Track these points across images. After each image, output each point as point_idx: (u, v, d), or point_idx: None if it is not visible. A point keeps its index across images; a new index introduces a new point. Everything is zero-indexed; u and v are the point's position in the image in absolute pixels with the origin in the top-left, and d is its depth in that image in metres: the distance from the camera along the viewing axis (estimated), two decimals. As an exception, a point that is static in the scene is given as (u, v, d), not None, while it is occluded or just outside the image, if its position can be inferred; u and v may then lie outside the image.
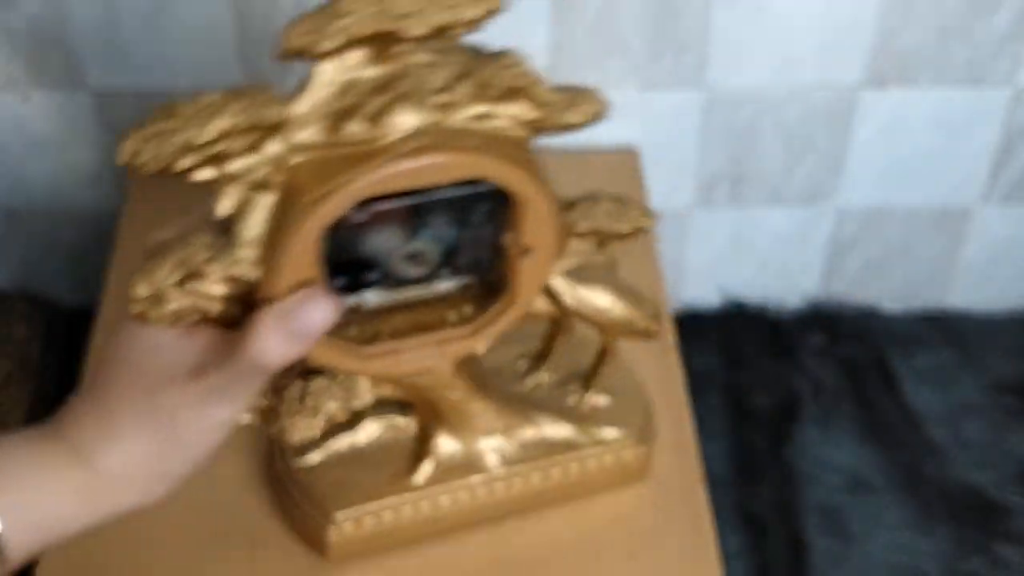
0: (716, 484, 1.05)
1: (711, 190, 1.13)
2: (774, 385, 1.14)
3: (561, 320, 0.81)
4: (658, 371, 0.91)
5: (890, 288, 1.22)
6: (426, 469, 0.79)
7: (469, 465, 0.80)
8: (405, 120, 0.61)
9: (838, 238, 1.17)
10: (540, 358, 0.84)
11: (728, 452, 1.09)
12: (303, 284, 0.63)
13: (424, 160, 0.61)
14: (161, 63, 1.02)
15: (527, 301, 0.71)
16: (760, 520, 1.04)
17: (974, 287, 1.21)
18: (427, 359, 0.71)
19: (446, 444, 0.79)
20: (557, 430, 0.81)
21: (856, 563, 1.02)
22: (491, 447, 0.80)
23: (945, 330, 1.20)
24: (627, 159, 1.09)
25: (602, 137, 1.10)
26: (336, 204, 0.61)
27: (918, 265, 1.20)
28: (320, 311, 0.61)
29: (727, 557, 1.00)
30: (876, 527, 1.04)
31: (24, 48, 1.01)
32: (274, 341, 0.60)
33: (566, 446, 0.81)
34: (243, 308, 0.67)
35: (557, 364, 0.84)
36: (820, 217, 1.15)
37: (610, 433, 0.82)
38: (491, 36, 1.02)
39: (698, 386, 1.13)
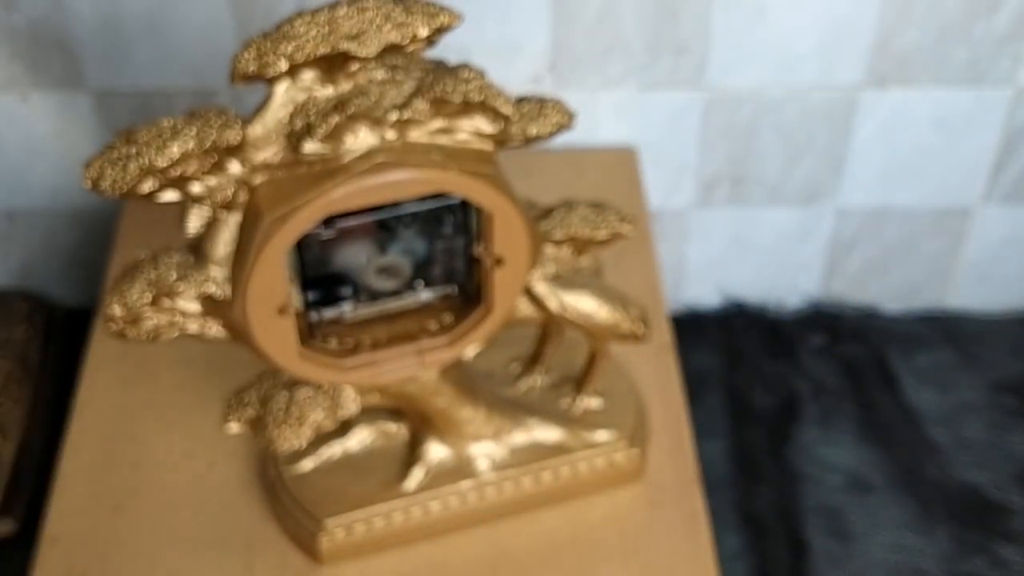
0: (716, 484, 1.05)
1: (711, 190, 1.13)
2: (774, 385, 1.14)
3: (551, 324, 0.81)
4: (655, 371, 0.91)
5: (890, 288, 1.22)
6: (416, 475, 0.79)
7: (459, 470, 0.80)
8: (362, 138, 0.61)
9: (838, 238, 1.17)
10: (533, 361, 0.85)
11: (728, 452, 1.10)
12: (272, 302, 0.63)
13: (384, 177, 0.61)
14: (161, 64, 1.03)
15: (504, 310, 0.71)
16: (760, 520, 1.05)
17: (974, 287, 1.22)
18: (407, 369, 0.72)
19: (436, 450, 0.80)
20: (548, 434, 0.81)
21: (856, 563, 1.02)
22: (481, 452, 0.80)
23: (945, 330, 1.20)
24: (626, 158, 1.09)
25: (602, 137, 1.10)
26: (299, 223, 0.61)
27: (918, 265, 1.20)
28: None
29: (727, 557, 1.01)
30: (876, 527, 1.04)
31: (24, 48, 1.01)
32: None
33: (557, 450, 0.81)
34: (221, 323, 0.67)
35: (550, 367, 0.85)
36: (820, 217, 1.15)
37: (602, 436, 0.82)
38: (492, 37, 1.03)
39: (698, 386, 1.13)
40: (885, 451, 1.10)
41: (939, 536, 1.03)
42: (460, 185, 0.63)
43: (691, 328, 1.19)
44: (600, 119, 1.09)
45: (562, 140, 0.68)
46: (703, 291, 1.22)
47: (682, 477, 0.85)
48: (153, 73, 1.03)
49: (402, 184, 0.62)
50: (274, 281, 0.63)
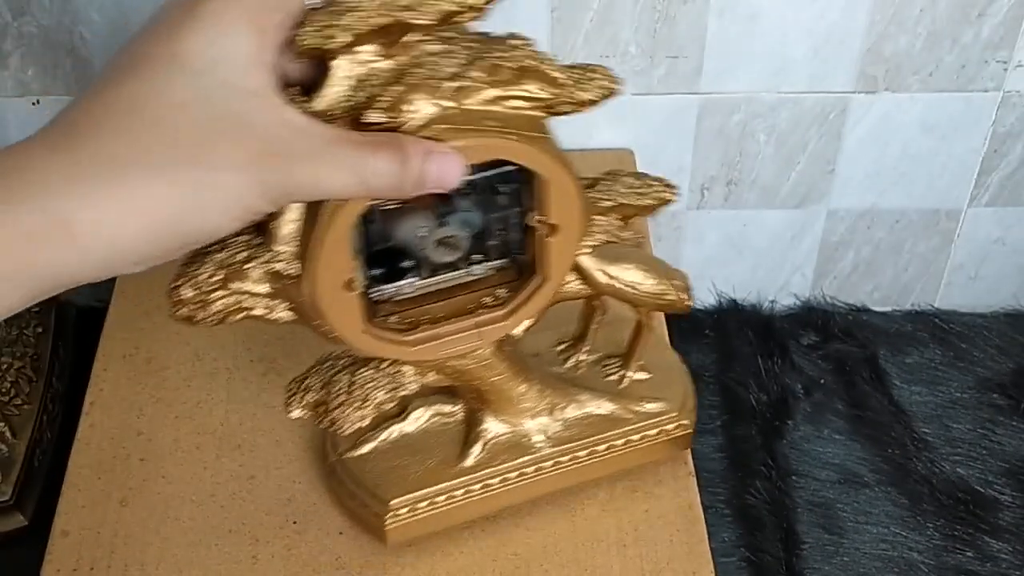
0: (710, 479, 1.06)
1: (706, 192, 1.15)
2: (767, 382, 1.15)
3: (595, 300, 0.82)
4: (652, 368, 0.92)
5: (880, 288, 1.23)
6: (475, 452, 0.80)
7: (517, 446, 0.81)
8: (421, 108, 0.62)
9: (829, 239, 1.18)
10: (578, 340, 0.85)
11: (722, 447, 1.11)
12: (339, 277, 0.65)
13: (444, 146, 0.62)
14: (169, 68, 1.04)
15: (557, 280, 0.71)
16: (753, 514, 1.06)
17: (962, 287, 1.23)
18: (467, 342, 0.72)
19: (493, 427, 0.81)
20: (601, 407, 0.83)
21: (847, 556, 1.03)
22: (537, 427, 0.81)
23: (934, 329, 1.21)
24: (623, 161, 1.10)
25: (599, 139, 1.11)
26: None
27: (908, 265, 1.21)
28: (454, 172, 0.59)
29: (721, 551, 1.02)
30: (866, 521, 1.05)
31: (36, 54, 1.03)
32: (414, 159, 0.58)
33: (611, 422, 0.82)
34: (286, 304, 0.68)
35: (594, 344, 0.85)
36: (812, 219, 1.17)
37: (653, 407, 0.83)
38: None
39: (693, 383, 1.14)
40: (875, 447, 1.11)
41: (928, 530, 1.05)
42: (517, 151, 0.64)
43: (686, 326, 1.19)
44: (597, 122, 1.10)
45: (560, 142, 0.69)
46: (698, 291, 1.22)
47: (677, 472, 0.86)
48: (161, 78, 1.05)
49: (462, 151, 0.62)
50: (341, 255, 0.64)
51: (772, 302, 1.23)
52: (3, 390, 1.05)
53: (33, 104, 1.06)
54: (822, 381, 1.16)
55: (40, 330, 1.11)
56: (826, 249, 1.19)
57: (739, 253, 1.19)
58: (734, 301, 1.23)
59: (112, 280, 0.99)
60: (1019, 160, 1.12)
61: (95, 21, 1.01)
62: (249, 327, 0.71)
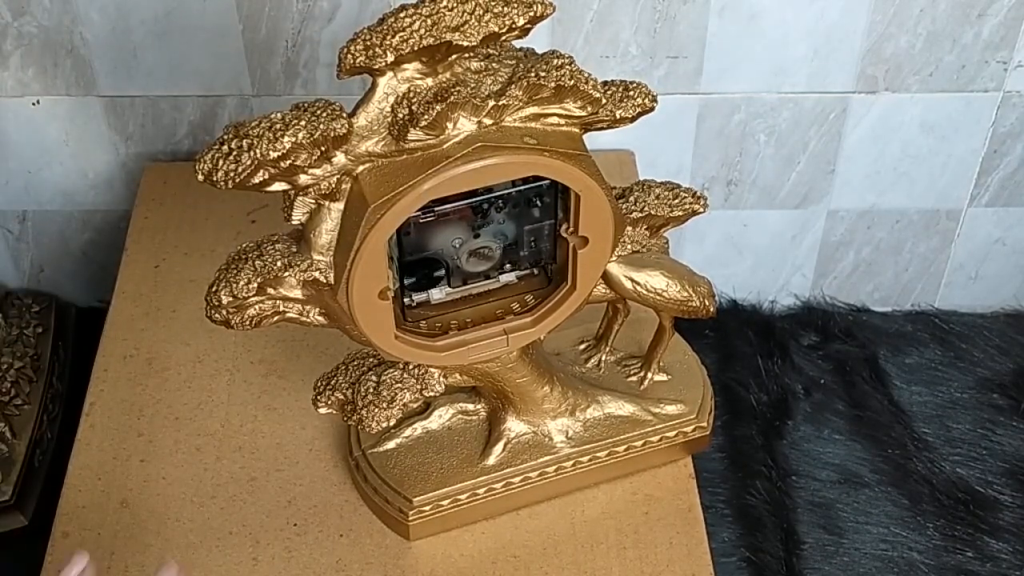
0: (710, 479, 1.06)
1: (706, 192, 1.14)
2: (767, 382, 1.15)
3: (617, 303, 0.83)
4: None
5: (880, 288, 1.23)
6: (497, 451, 0.82)
7: (538, 446, 0.82)
8: (461, 125, 0.63)
9: (829, 239, 1.18)
10: (599, 340, 0.87)
11: (722, 447, 1.11)
12: (374, 287, 0.65)
13: (483, 162, 0.63)
14: (169, 70, 1.04)
15: (585, 289, 0.73)
16: (753, 514, 1.06)
17: (962, 287, 1.23)
18: (494, 347, 0.74)
19: (515, 426, 0.82)
20: (621, 408, 0.84)
21: (847, 556, 1.03)
22: (558, 428, 0.82)
23: (934, 329, 1.21)
24: (624, 161, 1.10)
25: (600, 140, 1.11)
26: (401, 209, 0.64)
27: (908, 265, 1.21)
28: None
29: (721, 551, 1.02)
30: (866, 521, 1.05)
31: (36, 54, 1.03)
32: None
33: (631, 424, 0.84)
34: (319, 309, 0.69)
35: (616, 345, 0.87)
36: (812, 219, 1.17)
37: (672, 409, 0.85)
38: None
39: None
40: (875, 447, 1.11)
41: (928, 530, 1.05)
42: (553, 168, 0.65)
43: (686, 326, 1.18)
44: (597, 123, 1.10)
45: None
46: (698, 290, 1.22)
47: (677, 472, 0.86)
48: (161, 78, 1.05)
49: (500, 168, 0.64)
50: (377, 266, 0.65)
51: (772, 302, 1.23)
52: (3, 390, 1.05)
53: (33, 104, 1.06)
54: (822, 381, 1.16)
55: (40, 330, 1.11)
56: (826, 249, 1.19)
57: (739, 253, 1.19)
58: (734, 301, 1.23)
59: (113, 280, 0.99)
60: (1019, 160, 1.12)
61: (95, 21, 1.01)
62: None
